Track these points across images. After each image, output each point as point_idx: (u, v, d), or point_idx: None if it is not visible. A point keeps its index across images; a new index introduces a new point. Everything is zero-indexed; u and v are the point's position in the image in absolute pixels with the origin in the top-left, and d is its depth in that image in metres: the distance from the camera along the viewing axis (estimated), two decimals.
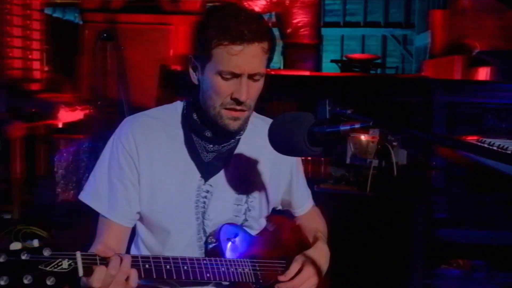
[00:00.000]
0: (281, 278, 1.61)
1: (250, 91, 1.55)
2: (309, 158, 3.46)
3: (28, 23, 5.47)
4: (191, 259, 1.51)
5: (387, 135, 1.23)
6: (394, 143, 2.46)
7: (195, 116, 1.65)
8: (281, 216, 1.88)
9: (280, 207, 1.91)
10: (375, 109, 4.01)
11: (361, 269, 2.66)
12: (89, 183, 1.67)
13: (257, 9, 7.36)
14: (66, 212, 4.60)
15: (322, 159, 3.18)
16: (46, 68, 5.93)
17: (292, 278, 1.62)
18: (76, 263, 1.29)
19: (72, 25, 8.63)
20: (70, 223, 4.46)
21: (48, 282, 1.24)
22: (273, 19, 7.73)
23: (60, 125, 5.23)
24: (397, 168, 2.44)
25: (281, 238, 1.79)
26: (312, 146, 1.25)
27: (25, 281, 1.21)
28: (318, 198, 2.79)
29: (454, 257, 3.58)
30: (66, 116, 5.28)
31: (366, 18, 11.84)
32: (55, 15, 9.05)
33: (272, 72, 4.36)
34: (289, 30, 7.69)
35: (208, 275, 1.52)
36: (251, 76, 1.53)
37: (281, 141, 1.32)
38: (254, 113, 1.71)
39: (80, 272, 1.29)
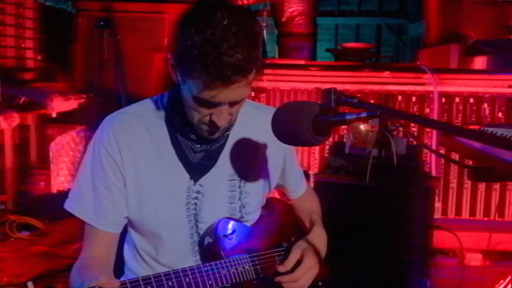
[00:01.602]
0: (280, 268, 1.58)
1: (231, 112, 1.46)
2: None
3: (21, 11, 5.40)
4: (191, 269, 1.46)
5: (386, 124, 1.21)
6: (394, 133, 2.45)
7: (178, 117, 1.55)
8: (272, 199, 1.86)
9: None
10: (371, 99, 4.02)
11: (359, 258, 2.66)
12: (73, 190, 1.60)
13: None
14: (60, 202, 4.57)
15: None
16: (39, 57, 5.87)
17: (293, 270, 1.59)
18: None
19: (65, 13, 8.54)
20: (64, 212, 4.43)
21: None
22: (268, 8, 7.70)
23: (54, 115, 5.18)
24: (396, 157, 2.42)
25: (276, 223, 1.76)
26: (316, 136, 1.23)
27: None
28: (317, 188, 2.80)
29: (451, 246, 3.59)
30: (60, 105, 5.23)
31: (360, 7, 11.81)
32: (47, 3, 8.95)
33: (267, 61, 4.33)
34: (283, 19, 7.67)
35: (210, 282, 1.48)
36: (232, 105, 1.44)
37: (285, 131, 1.30)
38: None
39: None
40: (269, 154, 1.72)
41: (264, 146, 1.69)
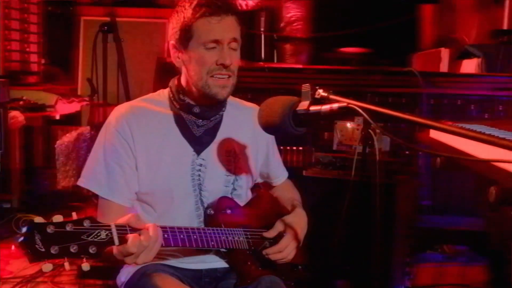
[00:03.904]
0: (265, 234, 1.84)
1: (232, 57, 1.73)
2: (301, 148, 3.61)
3: (25, 16, 5.56)
4: (198, 229, 1.69)
5: (370, 122, 1.37)
6: (377, 130, 2.59)
7: (182, 96, 1.80)
8: (261, 189, 2.11)
9: (260, 180, 2.12)
10: (365, 100, 4.15)
11: (344, 248, 2.80)
12: (87, 168, 1.79)
13: (251, 3, 7.49)
14: (65, 200, 4.73)
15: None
16: (42, 61, 6.01)
17: (276, 242, 1.84)
18: (112, 233, 1.40)
19: (66, 18, 8.67)
20: (68, 211, 4.58)
21: (91, 251, 1.35)
22: (266, 13, 7.83)
23: (57, 117, 5.32)
24: (380, 153, 2.57)
25: (264, 209, 2.00)
26: (296, 127, 1.41)
27: (72, 250, 1.32)
28: (307, 182, 2.96)
29: (438, 242, 3.73)
30: (63, 108, 5.38)
31: None
32: (49, 8, 9.08)
33: (266, 65, 4.50)
34: (282, 25, 7.81)
35: (212, 243, 1.70)
36: (230, 43, 1.72)
37: (269, 122, 1.47)
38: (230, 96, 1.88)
39: (116, 241, 1.41)
40: (254, 139, 1.97)
41: (250, 132, 1.94)
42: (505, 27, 5.45)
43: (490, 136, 1.01)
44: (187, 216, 1.83)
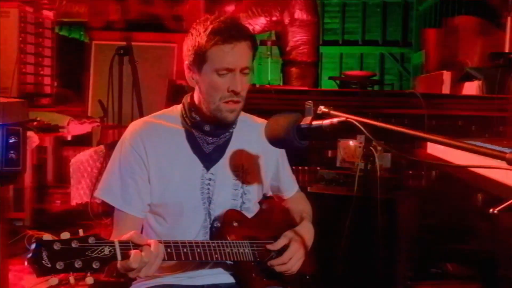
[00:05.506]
0: (269, 246, 1.89)
1: (243, 83, 1.82)
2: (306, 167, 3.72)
3: (40, 40, 5.74)
4: (202, 242, 1.76)
5: (371, 140, 1.47)
6: (379, 148, 2.71)
7: (194, 114, 1.89)
8: (272, 200, 2.16)
9: (270, 193, 2.18)
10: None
11: (348, 260, 2.89)
12: (103, 181, 1.90)
13: (257, 28, 7.68)
14: (75, 218, 4.84)
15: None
16: (55, 84, 6.18)
17: (281, 253, 1.89)
18: (115, 249, 1.49)
19: (78, 42, 8.89)
20: (78, 229, 4.68)
21: (94, 266, 1.43)
22: (273, 37, 8.02)
23: (69, 138, 5.47)
24: (381, 170, 2.69)
25: (273, 220, 2.06)
26: (300, 140, 1.53)
27: (76, 266, 1.40)
28: (312, 198, 3.05)
29: (440, 260, 3.80)
30: (75, 129, 5.53)
31: (364, 37, 12.07)
32: (61, 33, 9.31)
33: (272, 88, 4.64)
34: (288, 48, 7.98)
35: (216, 256, 1.77)
36: (242, 70, 1.81)
37: (274, 135, 1.59)
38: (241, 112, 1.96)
39: (119, 257, 1.49)
40: (264, 154, 2.04)
41: (260, 147, 2.01)
42: (506, 50, 5.58)
43: (471, 145, 1.12)
44: (197, 227, 1.91)
